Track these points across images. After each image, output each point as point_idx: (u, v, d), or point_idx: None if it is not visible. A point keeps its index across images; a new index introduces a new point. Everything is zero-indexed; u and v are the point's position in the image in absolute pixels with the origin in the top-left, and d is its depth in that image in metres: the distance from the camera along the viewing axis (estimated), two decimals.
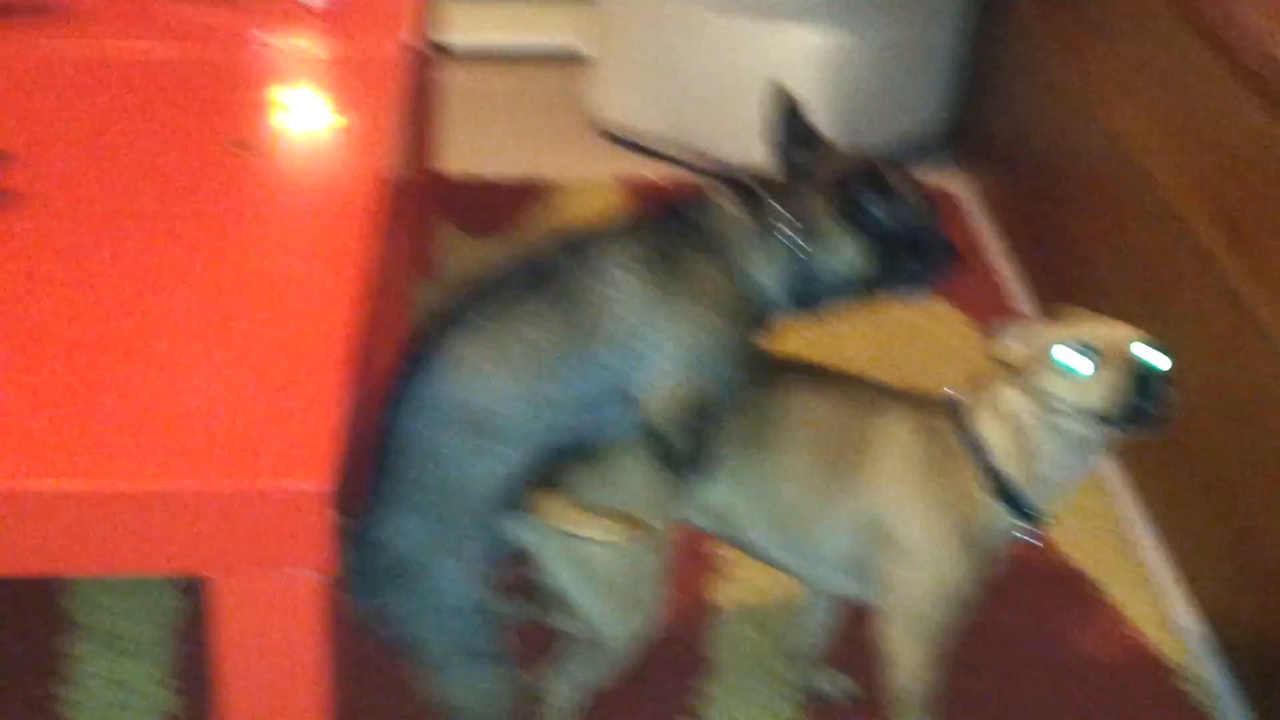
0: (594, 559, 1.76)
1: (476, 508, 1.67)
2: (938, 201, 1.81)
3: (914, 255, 1.77)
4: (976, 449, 1.76)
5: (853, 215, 1.72)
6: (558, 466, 1.72)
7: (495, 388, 1.61)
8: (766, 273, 1.72)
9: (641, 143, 3.83)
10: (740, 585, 2.33)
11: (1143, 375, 1.66)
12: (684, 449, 1.73)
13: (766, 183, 1.76)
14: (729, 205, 1.73)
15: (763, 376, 1.83)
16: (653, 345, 1.67)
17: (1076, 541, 2.47)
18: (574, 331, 1.65)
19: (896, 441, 1.80)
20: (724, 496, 1.83)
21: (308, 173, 1.78)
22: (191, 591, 2.15)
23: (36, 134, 1.79)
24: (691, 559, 2.36)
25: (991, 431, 1.76)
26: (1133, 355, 1.67)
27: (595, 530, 1.71)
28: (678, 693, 2.14)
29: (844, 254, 1.73)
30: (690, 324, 1.68)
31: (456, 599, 1.71)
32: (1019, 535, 1.81)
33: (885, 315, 3.10)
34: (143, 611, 2.18)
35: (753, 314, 1.74)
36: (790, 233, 1.72)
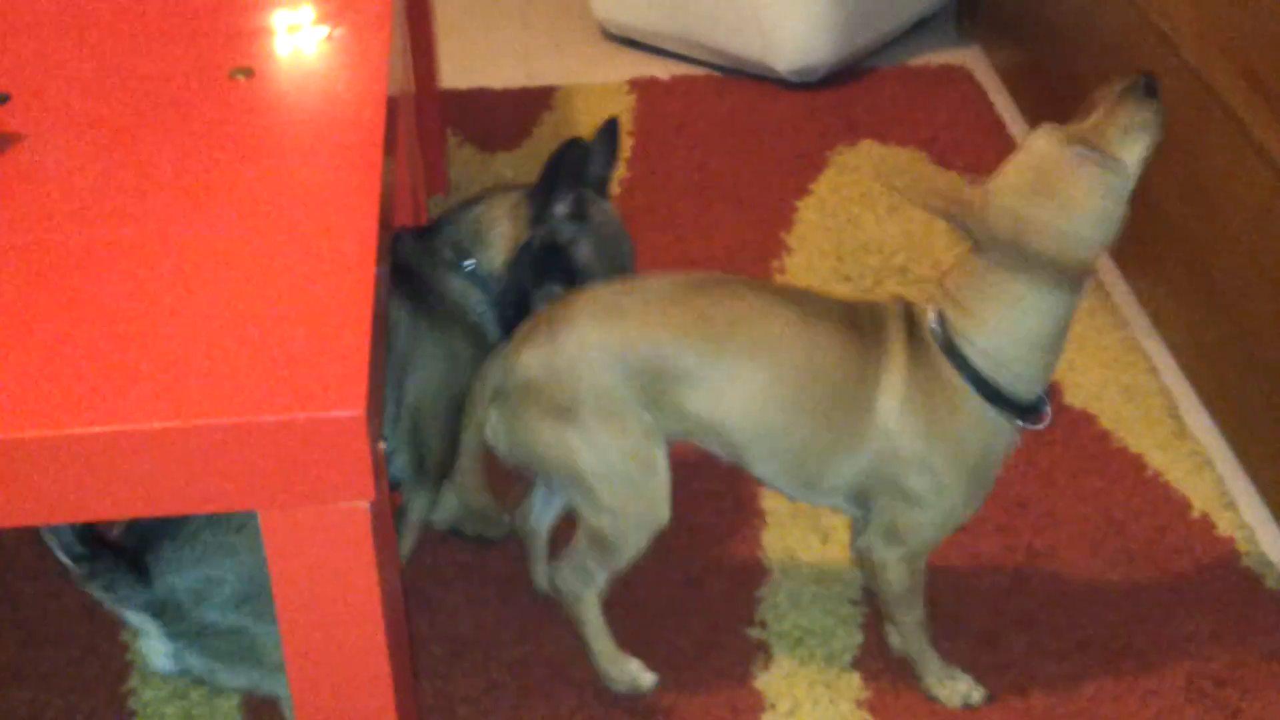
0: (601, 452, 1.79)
1: None
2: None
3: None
4: (964, 365, 1.75)
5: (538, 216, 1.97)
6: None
7: None
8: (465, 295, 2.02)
9: (646, 41, 3.77)
10: None
11: None
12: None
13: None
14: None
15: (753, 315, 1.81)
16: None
17: (1132, 426, 2.46)
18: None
19: (897, 382, 1.77)
20: (736, 433, 1.82)
21: (314, 95, 1.75)
22: None
23: (36, 73, 1.76)
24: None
25: (977, 337, 1.73)
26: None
27: None
28: (741, 603, 2.15)
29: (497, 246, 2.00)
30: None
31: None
32: (1017, 435, 1.81)
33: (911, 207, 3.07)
34: None
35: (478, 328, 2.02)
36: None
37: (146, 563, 1.67)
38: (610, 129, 2.07)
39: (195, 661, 1.72)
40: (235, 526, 1.69)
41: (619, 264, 2.00)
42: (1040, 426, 1.79)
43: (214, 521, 1.68)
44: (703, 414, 1.80)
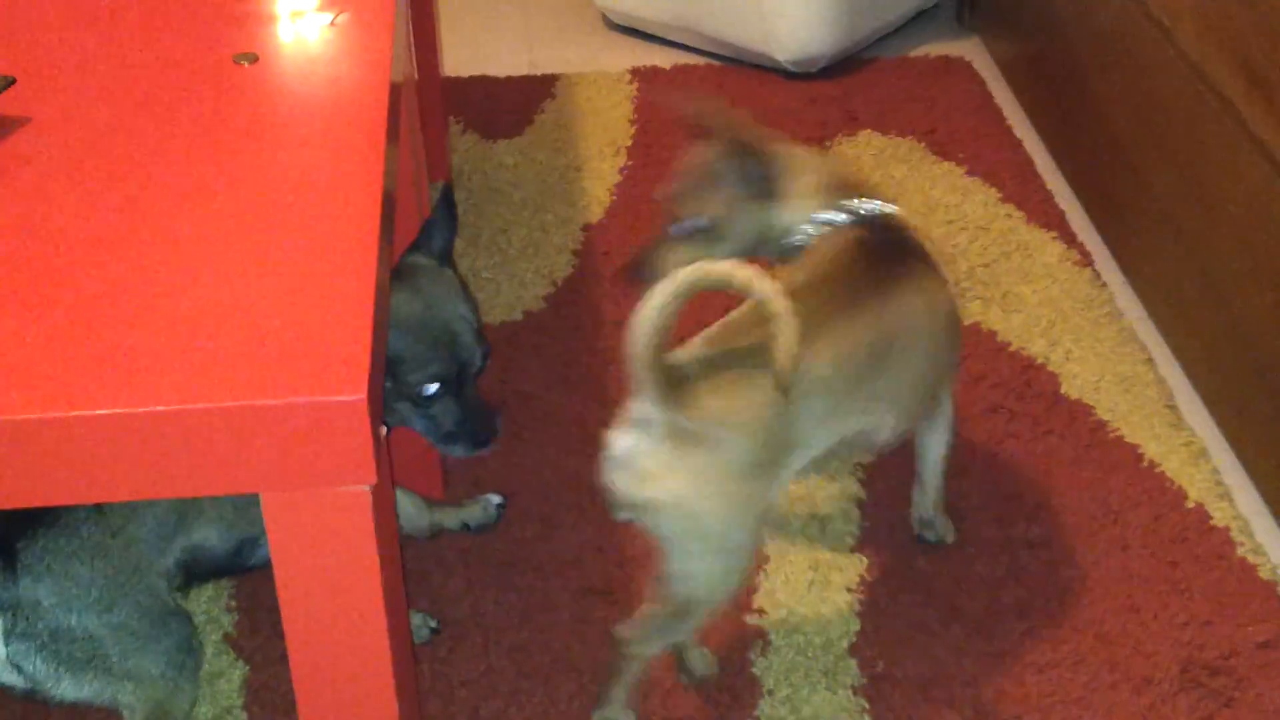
0: (709, 517, 1.75)
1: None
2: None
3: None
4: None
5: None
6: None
7: None
8: None
9: (647, 30, 3.78)
10: None
11: None
12: None
13: None
14: None
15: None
16: None
17: (1128, 416, 2.47)
18: None
19: (925, 294, 1.93)
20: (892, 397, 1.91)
21: (317, 82, 1.76)
22: None
23: (40, 57, 1.77)
24: None
25: None
26: None
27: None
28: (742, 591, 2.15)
29: None
30: None
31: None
32: None
33: (909, 189, 3.08)
34: None
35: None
36: None
37: (16, 550, 1.60)
38: (446, 195, 1.94)
39: (39, 668, 1.63)
40: (114, 529, 1.65)
41: (437, 337, 1.84)
42: None
43: (94, 517, 1.64)
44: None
